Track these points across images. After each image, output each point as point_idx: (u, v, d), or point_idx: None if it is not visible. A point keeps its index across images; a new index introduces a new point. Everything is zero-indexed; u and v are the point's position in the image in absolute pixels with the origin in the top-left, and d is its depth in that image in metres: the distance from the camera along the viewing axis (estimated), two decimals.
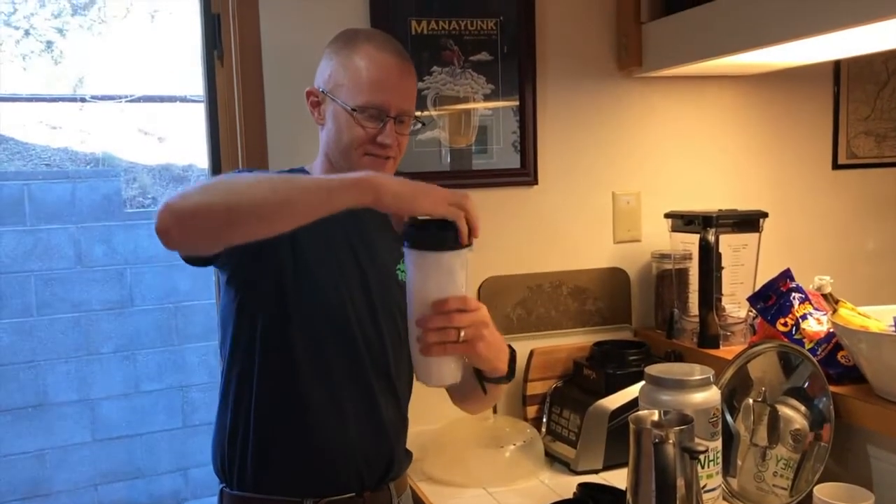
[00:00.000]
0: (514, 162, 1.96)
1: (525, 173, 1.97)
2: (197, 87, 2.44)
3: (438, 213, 1.14)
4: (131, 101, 4.88)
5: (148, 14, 5.23)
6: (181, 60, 4.94)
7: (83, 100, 4.92)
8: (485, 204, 2.00)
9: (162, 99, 4.95)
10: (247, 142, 1.81)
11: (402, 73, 1.37)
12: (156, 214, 1.11)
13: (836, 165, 2.25)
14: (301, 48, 1.82)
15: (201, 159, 4.77)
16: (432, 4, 1.86)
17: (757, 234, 1.90)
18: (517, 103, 1.94)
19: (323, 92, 1.38)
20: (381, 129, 1.34)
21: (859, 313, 1.49)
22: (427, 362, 1.19)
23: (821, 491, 1.36)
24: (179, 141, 5.02)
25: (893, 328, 1.42)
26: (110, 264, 4.18)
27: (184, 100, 4.87)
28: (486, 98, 1.92)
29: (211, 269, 1.46)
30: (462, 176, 1.93)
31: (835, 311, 1.50)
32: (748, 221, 1.90)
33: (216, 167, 1.92)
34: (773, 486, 1.52)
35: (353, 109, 1.33)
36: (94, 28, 5.24)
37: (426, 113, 1.88)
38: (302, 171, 1.44)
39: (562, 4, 1.98)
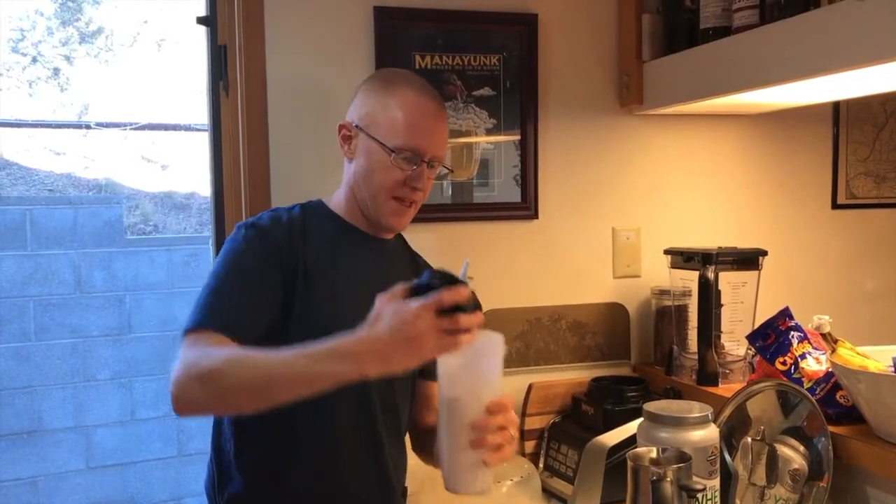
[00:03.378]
0: (514, 196, 1.97)
1: (526, 207, 1.98)
2: (202, 116, 2.46)
3: (432, 356, 1.10)
4: (136, 128, 4.92)
5: (155, 43, 5.29)
6: (186, 90, 4.98)
7: (88, 126, 4.95)
8: (485, 237, 2.02)
9: (166, 127, 4.99)
10: (250, 172, 1.82)
11: (438, 119, 1.40)
12: (169, 383, 1.16)
13: (835, 205, 2.26)
14: (306, 81, 1.85)
15: (204, 188, 4.80)
16: (436, 40, 1.88)
17: (756, 272, 1.90)
18: (519, 138, 1.96)
19: (357, 127, 1.39)
20: (416, 172, 1.35)
21: (858, 353, 1.49)
22: (474, 468, 1.11)
23: None
24: (182, 169, 5.05)
25: (892, 369, 1.42)
26: (110, 290, 4.17)
27: (188, 128, 4.91)
28: (488, 132, 1.94)
29: None
30: (463, 209, 1.94)
31: (834, 350, 1.50)
32: (748, 259, 1.90)
33: (218, 196, 1.93)
34: None
35: (392, 150, 1.34)
36: (101, 56, 5.30)
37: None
38: (320, 204, 1.45)
39: (564, 41, 2.01)
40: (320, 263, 1.33)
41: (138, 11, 5.20)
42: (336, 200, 1.44)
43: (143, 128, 4.92)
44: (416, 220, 1.91)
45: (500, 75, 1.93)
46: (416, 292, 1.07)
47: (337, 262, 1.35)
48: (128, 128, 4.92)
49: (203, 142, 2.07)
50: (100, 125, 4.93)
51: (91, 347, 4.13)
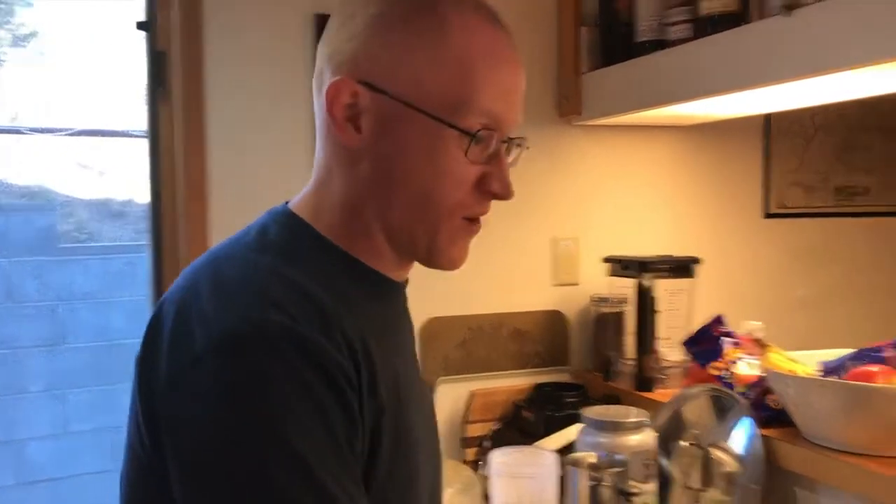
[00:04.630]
0: None
1: None
2: (140, 122, 2.42)
3: None
4: (71, 134, 4.81)
5: (90, 48, 5.19)
6: (124, 95, 4.89)
7: (20, 132, 4.82)
8: None
9: (103, 133, 4.89)
10: (188, 179, 1.80)
11: (520, 64, 0.87)
12: None
13: (767, 214, 2.33)
14: (247, 88, 1.84)
15: (141, 195, 4.71)
16: None
17: (691, 280, 1.95)
18: None
19: (379, 91, 0.80)
20: (498, 161, 0.84)
21: (788, 358, 1.53)
22: None
23: None
24: (120, 176, 4.95)
25: (820, 373, 1.47)
26: (42, 300, 4.07)
27: (126, 135, 4.81)
28: None
29: (147, 305, 1.43)
30: None
31: (764, 355, 1.55)
32: (682, 267, 1.95)
33: (156, 204, 1.91)
34: None
35: (465, 131, 0.80)
36: (35, 60, 5.17)
37: None
38: (313, 234, 0.84)
39: None
40: (377, 379, 0.78)
41: (74, 14, 5.09)
42: (324, 221, 0.84)
43: (78, 133, 4.81)
44: None
45: None
46: None
47: (389, 360, 0.82)
48: (63, 133, 4.81)
49: (141, 148, 2.03)
50: (33, 130, 4.80)
51: (22, 358, 4.02)
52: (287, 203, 0.88)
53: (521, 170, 2.13)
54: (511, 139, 0.86)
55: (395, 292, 0.91)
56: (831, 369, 1.44)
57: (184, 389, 0.71)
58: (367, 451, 0.75)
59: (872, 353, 1.41)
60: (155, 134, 1.90)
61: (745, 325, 1.65)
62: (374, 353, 0.78)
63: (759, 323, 1.64)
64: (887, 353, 1.39)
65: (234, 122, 1.83)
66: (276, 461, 0.67)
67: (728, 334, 1.67)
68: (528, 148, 0.90)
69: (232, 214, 1.82)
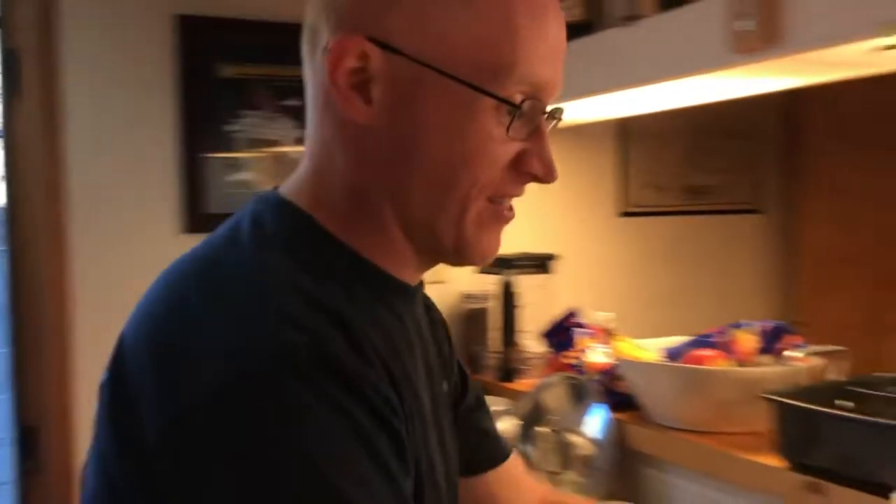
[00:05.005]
0: None
1: None
2: None
3: None
4: None
5: None
6: None
7: None
8: None
9: None
10: (46, 181, 1.76)
11: (562, 20, 0.71)
12: None
13: (622, 213, 2.47)
14: (106, 85, 1.81)
15: None
16: (241, 49, 1.90)
17: (551, 275, 2.05)
18: None
19: (396, 52, 0.65)
20: (540, 135, 0.69)
21: (635, 346, 1.64)
22: None
23: None
24: None
25: (663, 359, 1.58)
26: None
27: None
28: (299, 142, 1.97)
29: (2, 310, 1.40)
30: None
31: (614, 344, 1.66)
32: (541, 263, 2.05)
33: (13, 206, 1.85)
34: None
35: (504, 100, 0.66)
36: None
37: (239, 155, 1.90)
38: (319, 232, 0.69)
39: None
40: (410, 402, 0.68)
41: None
42: (324, 212, 0.70)
43: None
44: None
45: None
46: None
47: (410, 376, 0.71)
48: None
49: None
50: None
51: None
52: (276, 189, 0.73)
53: None
54: (549, 111, 0.70)
55: (409, 299, 0.75)
56: (672, 355, 1.56)
57: (198, 432, 0.57)
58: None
59: (706, 339, 1.53)
60: (10, 134, 1.85)
61: (596, 316, 1.76)
62: (402, 373, 0.67)
63: (610, 314, 1.75)
64: (718, 339, 1.52)
65: (95, 122, 1.80)
66: (309, 486, 0.56)
67: (580, 325, 1.77)
68: (561, 120, 0.72)
69: (93, 217, 1.80)
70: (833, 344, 2.64)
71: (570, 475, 1.66)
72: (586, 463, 1.66)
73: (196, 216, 1.88)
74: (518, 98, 0.66)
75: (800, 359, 1.43)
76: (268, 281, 0.63)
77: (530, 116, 0.67)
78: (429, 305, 0.85)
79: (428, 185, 0.67)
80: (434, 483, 0.71)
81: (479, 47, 0.65)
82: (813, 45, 1.23)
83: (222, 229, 0.71)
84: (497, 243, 0.73)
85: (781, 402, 1.26)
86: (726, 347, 1.50)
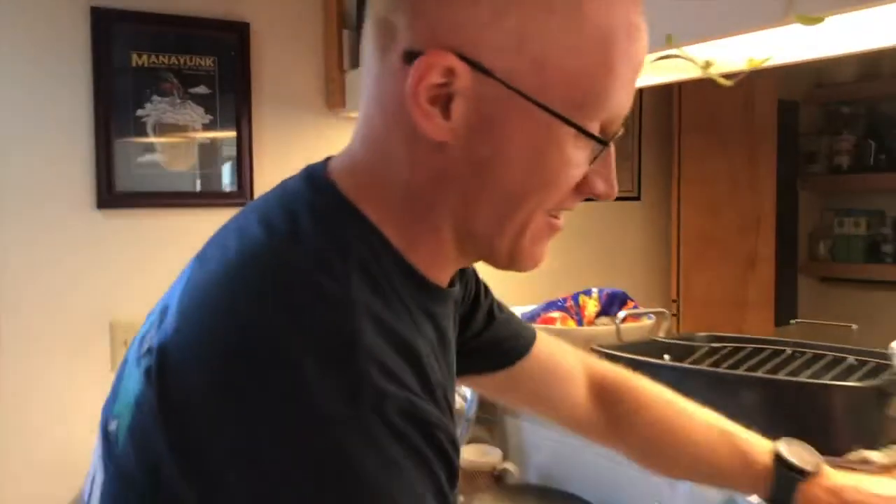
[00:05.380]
0: (232, 185, 2.19)
1: (242, 195, 2.21)
2: None
3: None
4: None
5: None
6: None
7: None
8: (204, 225, 2.19)
9: None
10: None
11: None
12: None
13: None
14: (24, 73, 1.95)
15: None
16: (152, 40, 2.06)
17: None
18: (235, 133, 2.18)
19: (489, 75, 0.63)
20: (609, 160, 0.70)
21: None
22: None
23: (465, 451, 1.72)
24: None
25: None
26: None
27: None
28: (205, 127, 2.14)
29: None
30: (182, 196, 2.13)
31: None
32: None
33: None
34: None
35: (601, 139, 0.66)
36: None
37: (149, 139, 2.07)
38: (363, 224, 0.67)
39: (275, 49, 2.25)
40: (448, 416, 0.66)
41: None
42: (375, 207, 0.68)
43: None
44: (128, 206, 2.09)
45: (216, 76, 2.14)
46: None
47: (446, 389, 0.67)
48: None
49: None
50: None
51: None
52: (328, 172, 0.70)
53: (293, 153, 2.40)
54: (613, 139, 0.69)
55: (448, 303, 0.74)
56: (529, 317, 1.79)
57: (274, 476, 0.54)
58: None
59: (558, 304, 1.76)
60: None
61: None
62: (444, 393, 0.65)
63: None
64: (568, 304, 1.75)
65: (14, 107, 1.94)
66: None
67: None
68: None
69: (9, 194, 1.94)
70: (703, 317, 2.94)
71: None
72: (458, 414, 1.88)
73: (109, 194, 2.03)
74: (597, 128, 0.65)
75: (631, 319, 1.67)
76: (351, 308, 0.59)
77: (608, 146, 0.67)
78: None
79: (498, 204, 0.66)
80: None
81: (575, 79, 0.63)
82: None
83: (281, 216, 0.66)
84: (545, 252, 0.72)
85: (604, 352, 1.50)
86: (573, 311, 1.73)
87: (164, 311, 0.65)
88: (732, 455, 1.00)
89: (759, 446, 1.00)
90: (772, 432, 1.07)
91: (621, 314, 1.60)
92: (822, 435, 1.16)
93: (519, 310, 1.89)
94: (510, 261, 0.70)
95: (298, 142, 2.31)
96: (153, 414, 0.59)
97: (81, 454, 1.99)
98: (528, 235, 0.68)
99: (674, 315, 2.85)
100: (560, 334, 1.69)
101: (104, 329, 2.04)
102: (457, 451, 0.62)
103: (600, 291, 1.77)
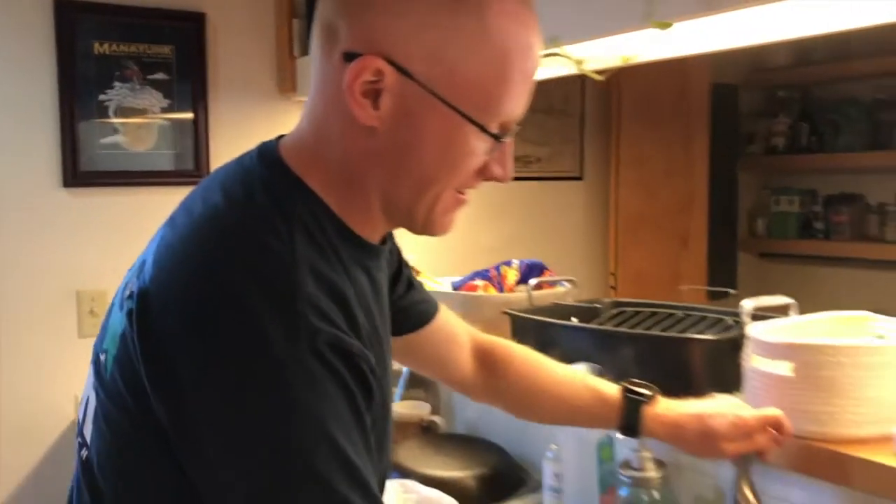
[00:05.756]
0: (189, 164, 2.35)
1: (199, 174, 2.36)
2: None
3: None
4: None
5: None
6: None
7: None
8: (163, 202, 2.33)
9: None
10: None
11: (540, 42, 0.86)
12: None
13: None
14: None
15: None
16: (113, 30, 2.21)
17: None
18: (192, 116, 2.34)
19: (407, 74, 0.78)
20: (507, 149, 0.85)
21: (433, 280, 2.05)
22: None
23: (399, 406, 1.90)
24: None
25: (451, 289, 1.99)
26: None
27: None
28: (164, 111, 2.30)
29: None
30: (142, 175, 2.29)
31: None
32: None
33: None
34: None
35: (485, 130, 0.81)
36: None
37: (111, 121, 2.22)
38: (307, 193, 0.82)
39: (230, 37, 2.41)
40: (376, 351, 0.84)
41: None
42: (319, 178, 0.82)
43: None
44: (93, 185, 2.25)
45: (174, 63, 2.30)
46: None
47: (377, 329, 0.87)
48: None
49: None
50: None
51: None
52: (278, 149, 0.84)
53: (247, 135, 2.54)
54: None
55: (379, 257, 0.90)
56: (457, 285, 1.97)
57: (228, 394, 0.71)
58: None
59: (482, 273, 1.94)
60: None
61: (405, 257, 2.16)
62: (374, 331, 0.83)
63: (413, 255, 2.14)
64: (491, 273, 1.93)
65: None
66: (322, 451, 0.71)
67: None
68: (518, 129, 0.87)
69: None
70: (639, 291, 3.14)
71: None
72: (395, 374, 2.06)
73: (74, 173, 2.19)
74: (495, 128, 0.81)
75: (547, 287, 1.86)
76: (292, 260, 0.74)
77: (504, 140, 0.83)
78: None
79: (415, 181, 0.81)
80: (384, 398, 0.88)
81: (478, 88, 0.78)
82: None
83: (238, 186, 0.80)
84: (452, 222, 0.88)
85: (514, 315, 1.68)
86: (495, 279, 1.91)
87: (142, 265, 0.80)
88: (590, 397, 1.19)
89: (611, 387, 1.20)
90: (646, 380, 1.26)
91: (533, 281, 1.78)
92: (685, 381, 1.35)
93: (451, 279, 2.07)
94: (424, 227, 0.86)
95: (252, 124, 2.47)
96: (134, 346, 0.75)
97: (52, 415, 2.17)
98: (439, 207, 0.84)
99: (612, 288, 3.04)
100: (482, 300, 1.88)
101: (71, 298, 2.21)
102: (377, 378, 0.78)
103: (521, 262, 1.95)
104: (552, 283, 1.88)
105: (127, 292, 0.79)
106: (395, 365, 2.09)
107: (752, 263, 3.75)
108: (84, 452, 0.85)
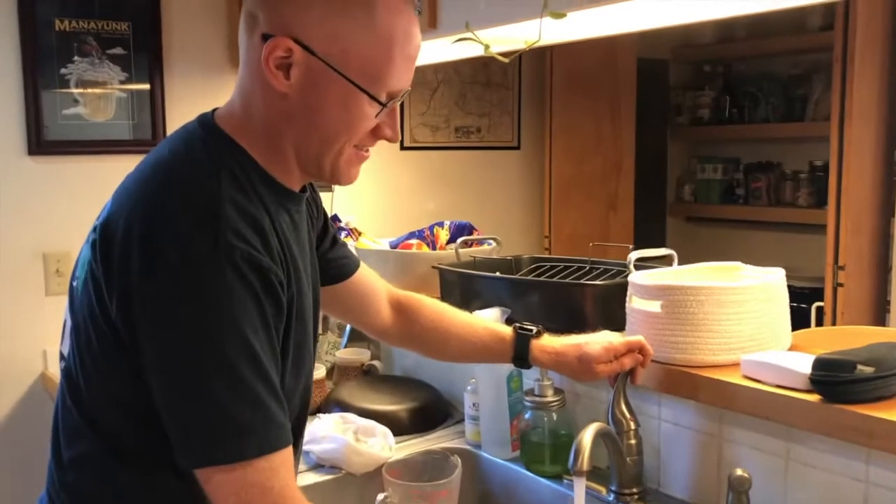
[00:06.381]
0: (147, 134, 2.52)
1: (155, 143, 2.52)
2: None
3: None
4: None
5: None
6: None
7: None
8: (124, 168, 2.43)
9: None
10: None
11: (419, 42, 1.06)
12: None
13: (402, 147, 3.07)
14: None
15: None
16: (73, 6, 2.35)
17: (331, 193, 2.63)
18: (149, 87, 2.50)
19: (310, 52, 0.98)
20: (394, 114, 1.05)
21: (373, 240, 2.25)
22: None
23: (342, 353, 2.11)
24: None
25: (388, 248, 2.20)
26: None
27: None
28: (122, 83, 2.46)
29: None
30: (103, 145, 2.44)
31: (358, 238, 2.26)
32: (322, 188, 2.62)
33: None
34: (327, 358, 2.24)
35: (374, 98, 1.00)
36: None
37: (72, 92, 2.38)
38: (244, 157, 1.02)
39: (184, 14, 2.56)
40: (291, 276, 1.02)
41: None
42: (247, 138, 1.02)
43: None
44: (56, 153, 2.39)
45: (131, 38, 2.45)
46: None
47: (294, 257, 1.05)
48: None
49: None
50: None
51: None
52: (214, 117, 1.04)
53: (201, 104, 2.63)
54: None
55: (298, 201, 1.09)
56: (394, 244, 2.17)
57: (164, 289, 0.90)
58: (284, 325, 1.00)
59: (416, 233, 2.15)
60: None
61: (346, 218, 2.36)
62: (289, 256, 1.01)
63: (352, 216, 2.35)
64: (425, 234, 2.14)
65: None
66: (231, 341, 0.90)
67: (341, 227, 2.36)
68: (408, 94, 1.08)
69: None
70: (571, 252, 3.37)
71: (330, 336, 2.27)
72: (340, 326, 2.27)
73: (38, 142, 2.34)
74: (384, 97, 1.01)
75: (476, 244, 2.07)
76: (217, 194, 0.94)
77: (391, 107, 1.03)
78: (311, 184, 1.19)
79: (321, 137, 1.01)
80: (302, 316, 1.05)
81: (367, 64, 0.98)
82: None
83: (180, 143, 1.02)
84: (357, 173, 1.08)
85: (441, 269, 1.90)
86: (428, 238, 2.12)
87: (105, 207, 1.02)
88: (488, 336, 1.43)
89: (505, 328, 1.44)
90: (551, 322, 1.48)
91: (461, 240, 1.99)
92: (580, 321, 1.58)
93: (389, 240, 2.28)
94: (332, 176, 1.05)
95: (205, 95, 2.62)
96: (97, 268, 0.96)
97: (22, 368, 2.33)
98: (343, 160, 1.04)
99: (546, 249, 3.27)
100: (415, 257, 2.09)
101: (38, 260, 2.37)
102: (289, 293, 0.98)
103: (451, 223, 2.16)
104: (480, 242, 2.09)
105: (92, 228, 1.02)
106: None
107: (679, 227, 4.02)
108: (62, 364, 1.09)
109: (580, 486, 1.16)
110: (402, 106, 1.14)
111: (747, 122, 3.68)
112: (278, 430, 0.93)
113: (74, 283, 1.05)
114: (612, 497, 1.42)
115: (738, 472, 1.24)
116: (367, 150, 1.07)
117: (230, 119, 1.03)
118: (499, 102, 3.26)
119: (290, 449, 0.96)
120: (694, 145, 4.03)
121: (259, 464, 0.91)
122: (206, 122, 1.04)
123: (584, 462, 1.19)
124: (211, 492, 0.92)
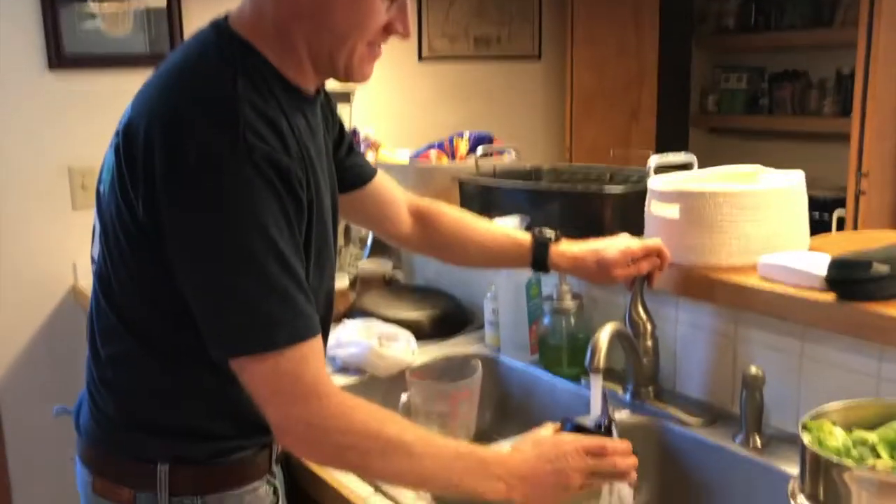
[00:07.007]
0: (164, 48, 2.51)
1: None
2: None
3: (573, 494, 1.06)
4: None
5: None
6: None
7: None
8: (139, 85, 2.47)
9: None
10: None
11: None
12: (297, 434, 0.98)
13: (420, 58, 3.03)
14: None
15: None
16: None
17: (349, 106, 2.63)
18: (165, 2, 2.48)
19: None
20: (403, 12, 1.06)
21: (393, 152, 2.26)
22: None
23: (364, 263, 2.15)
24: None
25: (409, 160, 2.20)
26: None
27: None
28: None
29: None
30: (121, 59, 2.44)
31: (378, 150, 2.27)
32: (346, 96, 2.61)
33: None
34: (349, 269, 2.28)
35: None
36: None
37: (90, 6, 2.37)
38: (260, 60, 1.03)
39: None
40: (309, 176, 1.04)
41: None
42: (260, 39, 1.04)
43: None
44: (76, 67, 2.40)
45: None
46: (572, 428, 1.13)
47: (312, 159, 1.06)
48: None
49: None
50: None
51: None
52: (227, 21, 1.05)
53: None
54: None
55: (314, 105, 1.11)
56: (415, 155, 2.18)
57: (187, 196, 0.93)
58: (306, 226, 1.02)
59: (436, 145, 2.16)
60: None
61: (365, 130, 2.36)
62: (307, 158, 1.02)
63: (371, 128, 2.35)
64: (444, 145, 2.14)
65: None
66: (256, 236, 0.93)
67: (363, 140, 2.37)
68: None
69: None
70: (592, 161, 3.37)
71: (352, 249, 2.30)
72: (362, 239, 2.30)
73: (58, 56, 2.35)
74: None
75: (496, 155, 2.08)
76: (235, 96, 0.95)
77: (400, 2, 1.04)
78: (326, 93, 1.22)
79: (333, 35, 1.02)
80: (322, 218, 1.08)
81: None
82: None
83: (196, 48, 1.03)
84: (371, 70, 1.09)
85: (462, 179, 1.91)
86: (448, 150, 2.13)
87: (125, 112, 1.05)
88: (507, 242, 1.45)
89: (524, 233, 1.45)
90: (571, 230, 1.49)
91: (480, 150, 1.99)
92: (600, 228, 1.59)
93: (409, 152, 2.28)
94: (346, 73, 1.06)
95: (219, 8, 2.56)
96: (121, 171, 1.00)
97: (53, 281, 2.39)
98: (356, 57, 1.04)
99: (568, 161, 3.26)
100: (434, 170, 2.09)
101: (63, 173, 2.40)
102: (308, 191, 1.00)
103: (471, 134, 2.16)
104: (499, 152, 2.10)
105: (114, 132, 1.04)
106: (364, 231, 2.32)
107: (702, 138, 3.97)
108: (94, 267, 1.12)
109: (597, 384, 1.19)
110: (419, 15, 1.14)
111: (773, 30, 3.59)
112: (307, 321, 0.96)
113: (101, 188, 1.08)
114: (628, 396, 1.46)
115: (753, 369, 1.27)
116: (380, 47, 1.08)
117: (242, 21, 1.04)
118: (519, 11, 3.20)
119: (319, 339, 0.98)
120: (718, 55, 3.95)
121: (290, 353, 0.94)
122: (220, 27, 1.04)
123: (601, 359, 1.22)
124: (247, 382, 0.96)
